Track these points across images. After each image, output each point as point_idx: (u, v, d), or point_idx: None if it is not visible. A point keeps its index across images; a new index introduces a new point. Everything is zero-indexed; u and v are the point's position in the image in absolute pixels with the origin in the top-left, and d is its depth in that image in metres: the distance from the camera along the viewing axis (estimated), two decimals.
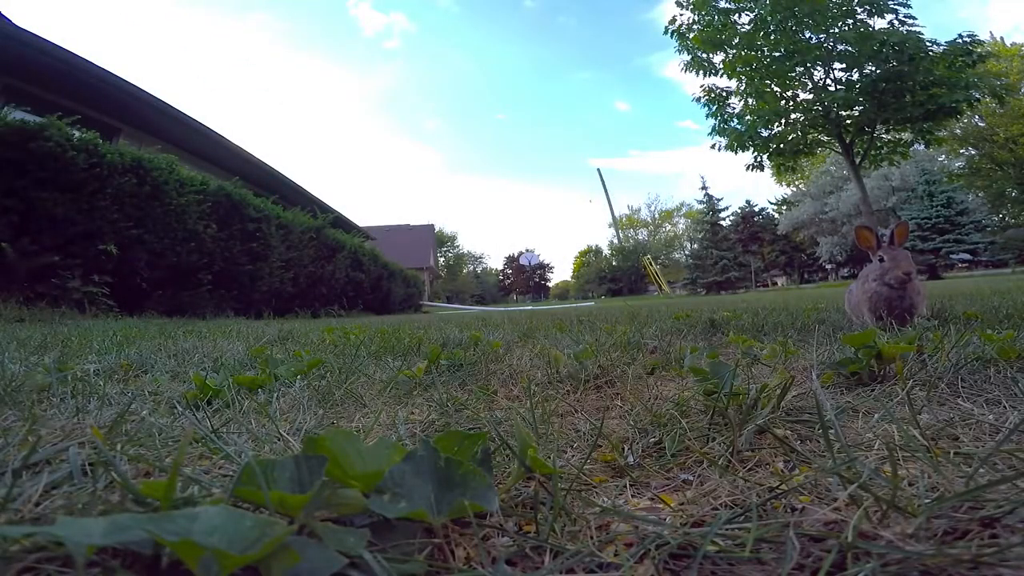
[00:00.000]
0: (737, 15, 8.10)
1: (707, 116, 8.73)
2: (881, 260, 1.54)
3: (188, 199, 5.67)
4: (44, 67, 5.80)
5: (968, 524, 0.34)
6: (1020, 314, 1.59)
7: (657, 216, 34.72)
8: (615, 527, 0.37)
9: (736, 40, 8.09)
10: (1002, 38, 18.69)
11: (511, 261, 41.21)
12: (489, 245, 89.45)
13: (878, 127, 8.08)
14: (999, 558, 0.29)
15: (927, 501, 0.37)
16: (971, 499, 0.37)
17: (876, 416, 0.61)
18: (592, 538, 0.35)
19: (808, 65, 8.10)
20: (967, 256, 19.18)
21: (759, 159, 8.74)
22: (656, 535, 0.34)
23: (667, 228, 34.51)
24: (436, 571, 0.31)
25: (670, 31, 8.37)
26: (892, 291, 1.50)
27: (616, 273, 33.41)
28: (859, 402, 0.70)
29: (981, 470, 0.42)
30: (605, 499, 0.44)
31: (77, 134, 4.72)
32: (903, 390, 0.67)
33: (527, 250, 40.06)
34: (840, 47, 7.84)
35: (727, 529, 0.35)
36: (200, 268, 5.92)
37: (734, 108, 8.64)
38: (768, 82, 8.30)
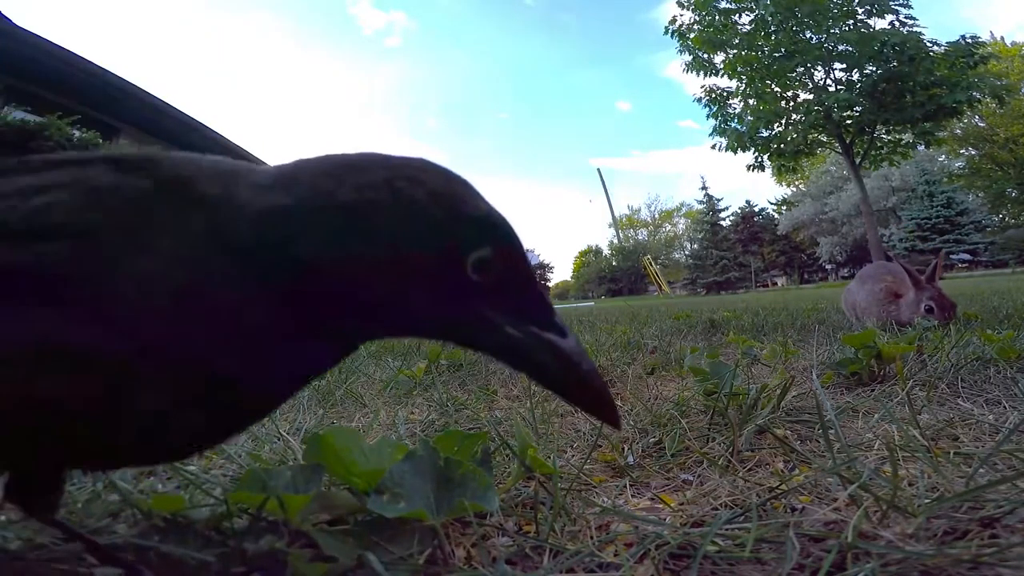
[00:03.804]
0: (738, 15, 8.11)
1: (708, 116, 8.74)
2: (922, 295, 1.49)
3: None
4: (44, 67, 5.80)
5: (968, 524, 0.34)
6: (1020, 314, 1.59)
7: (657, 216, 34.70)
8: (615, 527, 0.37)
9: (736, 40, 8.09)
10: (1002, 38, 18.67)
11: None
12: None
13: (878, 127, 8.08)
14: (999, 558, 0.29)
15: (927, 501, 0.37)
16: (971, 499, 0.37)
17: (876, 416, 0.61)
18: (592, 538, 0.35)
19: (808, 65, 8.10)
20: (967, 256, 19.18)
21: (760, 159, 8.74)
22: (656, 535, 0.34)
23: (667, 228, 34.49)
24: (436, 571, 0.31)
25: (671, 31, 8.38)
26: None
27: (616, 273, 33.41)
28: (859, 402, 0.70)
29: (981, 470, 0.42)
30: (605, 499, 0.44)
31: (77, 134, 4.72)
32: (903, 390, 0.67)
33: (527, 250, 39.95)
34: (840, 47, 7.84)
35: (727, 529, 0.35)
36: None
37: (734, 108, 8.65)
38: (768, 82, 8.30)
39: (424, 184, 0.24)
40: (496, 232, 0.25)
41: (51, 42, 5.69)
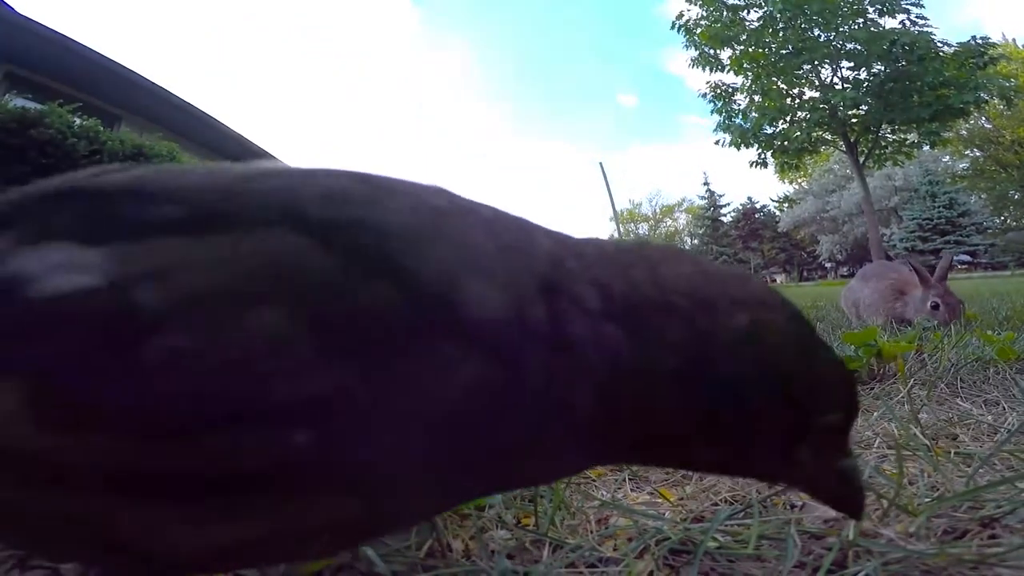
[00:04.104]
0: (746, 11, 8.03)
1: (712, 112, 8.69)
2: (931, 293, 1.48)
3: None
4: (45, 54, 5.76)
5: (968, 524, 0.34)
6: (1019, 316, 1.59)
7: (658, 211, 34.58)
8: (614, 521, 0.37)
9: (744, 37, 8.03)
10: (1014, 39, 18.48)
11: None
12: None
13: (883, 127, 8.04)
14: (999, 558, 0.29)
15: (927, 500, 0.37)
16: (971, 499, 0.37)
17: (876, 414, 0.61)
18: (592, 532, 0.35)
19: (816, 63, 8.04)
20: (967, 258, 19.14)
21: (763, 156, 8.71)
22: (656, 530, 0.34)
23: (668, 223, 34.39)
24: (433, 564, 0.31)
25: (677, 26, 8.31)
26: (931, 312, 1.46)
27: None
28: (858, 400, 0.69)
29: (981, 470, 0.42)
30: (604, 492, 0.44)
31: (78, 121, 4.69)
32: (905, 389, 0.66)
33: None
34: (849, 46, 7.78)
35: (727, 525, 0.35)
36: None
37: (739, 105, 8.59)
38: (775, 79, 8.25)
39: (780, 323, 0.21)
40: (851, 396, 0.22)
41: (52, 29, 5.64)
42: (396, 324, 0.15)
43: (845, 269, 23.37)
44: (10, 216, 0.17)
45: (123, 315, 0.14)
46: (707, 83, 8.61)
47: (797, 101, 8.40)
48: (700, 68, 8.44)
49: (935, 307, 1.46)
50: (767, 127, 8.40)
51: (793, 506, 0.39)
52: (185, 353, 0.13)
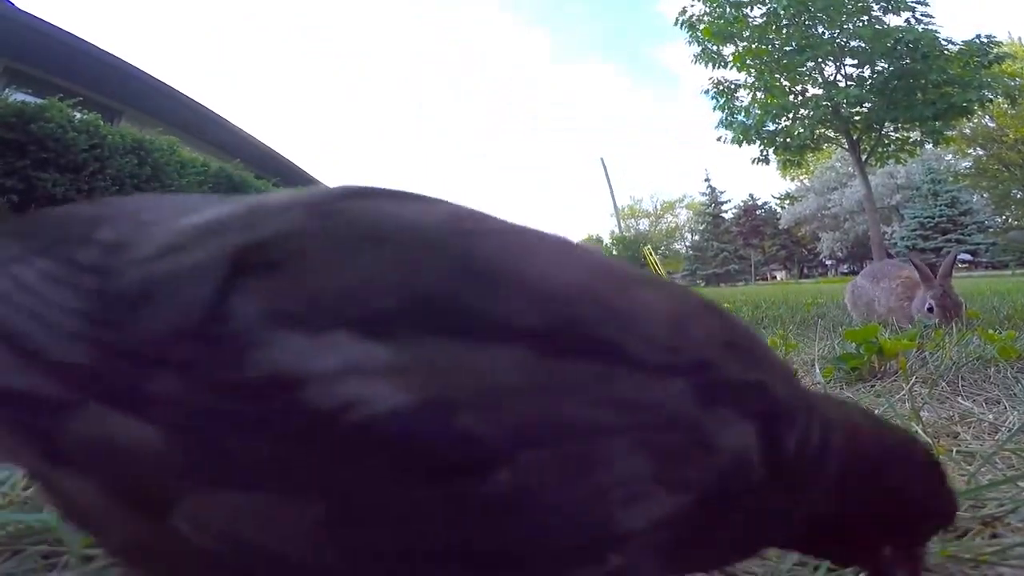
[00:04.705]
0: (749, 8, 7.99)
1: (714, 109, 8.66)
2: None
3: (188, 180, 5.65)
4: (45, 49, 5.75)
5: (969, 523, 0.34)
6: (1020, 315, 1.58)
7: (659, 207, 34.48)
8: None
9: (747, 33, 7.99)
10: (1020, 39, 18.33)
11: None
12: None
13: (887, 125, 8.01)
14: (1000, 558, 0.29)
15: None
16: (972, 498, 0.36)
17: (877, 412, 0.61)
18: None
19: (819, 60, 8.01)
20: (968, 257, 19.08)
21: (765, 153, 8.68)
22: None
23: (668, 219, 34.28)
24: None
25: (680, 22, 8.27)
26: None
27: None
28: (859, 397, 0.69)
29: (982, 469, 0.42)
30: None
31: (78, 116, 4.69)
32: (906, 386, 0.66)
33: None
34: (853, 43, 7.74)
35: None
36: None
37: (742, 102, 8.56)
38: (778, 76, 8.21)
39: (918, 474, 0.23)
40: (951, 523, 0.25)
41: (51, 24, 5.63)
42: (745, 471, 0.14)
43: (846, 267, 23.36)
44: (272, 269, 0.13)
45: (446, 446, 0.12)
46: (710, 79, 8.59)
47: (800, 98, 8.37)
48: (703, 64, 8.41)
49: (930, 309, 1.46)
50: (770, 124, 8.37)
51: None
52: (527, 494, 0.12)
